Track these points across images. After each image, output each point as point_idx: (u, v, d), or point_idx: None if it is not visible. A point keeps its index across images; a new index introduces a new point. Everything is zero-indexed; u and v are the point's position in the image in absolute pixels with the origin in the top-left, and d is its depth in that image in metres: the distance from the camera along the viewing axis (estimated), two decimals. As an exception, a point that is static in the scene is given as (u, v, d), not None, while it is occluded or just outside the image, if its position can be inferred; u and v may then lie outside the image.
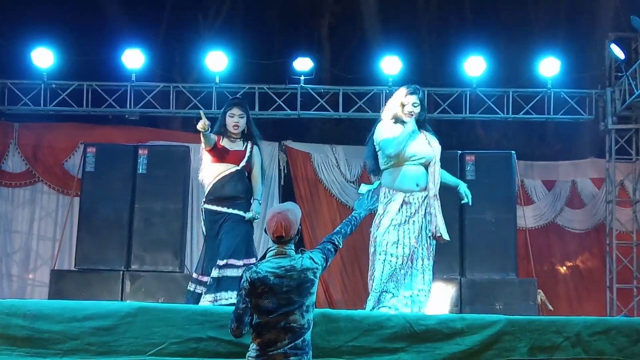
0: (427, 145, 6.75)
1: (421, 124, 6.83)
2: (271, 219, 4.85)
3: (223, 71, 12.16)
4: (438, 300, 9.67)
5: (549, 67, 12.10)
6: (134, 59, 12.05)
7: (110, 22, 14.17)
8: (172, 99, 12.43)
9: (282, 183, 13.03)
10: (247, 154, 7.49)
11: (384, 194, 6.71)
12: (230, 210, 7.33)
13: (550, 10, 16.05)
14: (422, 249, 6.62)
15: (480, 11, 16.28)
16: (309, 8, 16.92)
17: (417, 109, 6.76)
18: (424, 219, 6.62)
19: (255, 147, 7.57)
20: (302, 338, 4.71)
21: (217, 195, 7.35)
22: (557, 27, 15.62)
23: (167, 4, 16.01)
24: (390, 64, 12.09)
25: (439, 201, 6.67)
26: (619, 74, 12.22)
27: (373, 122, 14.21)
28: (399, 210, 6.61)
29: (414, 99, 6.77)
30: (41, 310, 5.37)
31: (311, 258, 4.88)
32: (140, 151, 10.58)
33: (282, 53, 14.01)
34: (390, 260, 6.56)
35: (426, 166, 6.71)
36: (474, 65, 12.04)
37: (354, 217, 5.46)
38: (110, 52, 12.57)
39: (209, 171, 7.45)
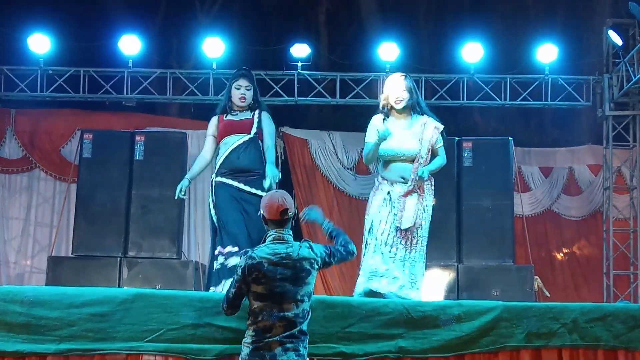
0: (413, 141, 6.70)
1: (417, 110, 6.81)
2: (269, 200, 4.86)
3: (220, 57, 12.13)
4: (435, 286, 9.69)
5: (546, 53, 12.09)
6: (130, 45, 12.02)
7: (107, 8, 14.14)
8: (169, 85, 12.42)
9: (279, 169, 13.00)
10: (256, 119, 7.20)
11: (376, 180, 6.87)
12: (248, 188, 7.02)
13: (548, -4, 16.02)
14: (399, 239, 6.60)
15: (478, -3, 16.24)
16: (307, -6, 16.87)
17: (405, 94, 6.73)
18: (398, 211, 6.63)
19: (263, 113, 7.30)
20: (297, 327, 4.73)
21: (232, 167, 7.06)
22: (554, 13, 15.58)
23: (164, -10, 15.96)
24: (388, 51, 12.07)
25: (424, 193, 6.65)
26: (617, 61, 12.21)
27: (370, 108, 14.12)
28: (383, 200, 6.67)
29: (401, 85, 6.75)
30: (38, 296, 5.37)
31: (310, 247, 4.89)
32: (137, 137, 10.55)
33: (279, 39, 13.97)
34: (374, 244, 6.65)
35: (412, 160, 6.69)
36: (472, 52, 12.03)
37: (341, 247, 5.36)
38: (107, 38, 12.53)
39: (220, 147, 7.18)
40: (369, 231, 6.72)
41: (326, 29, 16.45)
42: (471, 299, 6.95)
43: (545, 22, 14.72)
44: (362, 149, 12.36)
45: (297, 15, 16.49)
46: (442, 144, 6.82)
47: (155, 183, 10.37)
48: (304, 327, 4.77)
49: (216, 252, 6.99)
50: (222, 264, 6.91)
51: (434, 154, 6.78)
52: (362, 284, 6.61)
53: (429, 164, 6.72)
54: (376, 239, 6.64)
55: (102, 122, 12.33)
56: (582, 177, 13.28)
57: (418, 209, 6.60)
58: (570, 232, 13.27)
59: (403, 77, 6.82)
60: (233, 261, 6.82)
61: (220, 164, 7.11)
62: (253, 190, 7.01)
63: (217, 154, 7.25)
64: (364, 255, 6.71)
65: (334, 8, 16.68)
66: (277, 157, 7.25)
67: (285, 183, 12.85)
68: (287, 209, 4.83)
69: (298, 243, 4.85)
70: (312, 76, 12.43)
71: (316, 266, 4.88)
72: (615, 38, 11.87)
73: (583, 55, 13.51)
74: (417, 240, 6.64)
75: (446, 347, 5.53)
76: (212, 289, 6.92)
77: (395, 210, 6.60)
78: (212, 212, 7.15)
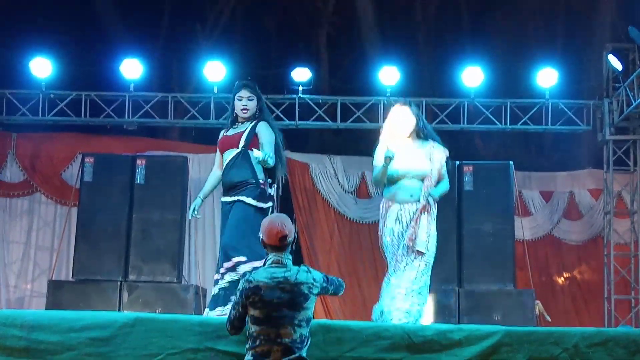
0: (424, 161, 6.73)
1: (424, 134, 6.84)
2: (269, 225, 4.86)
3: (221, 81, 12.16)
4: (434, 310, 9.68)
5: (546, 77, 12.12)
6: (132, 69, 12.06)
7: (108, 32, 14.20)
8: (171, 109, 12.44)
9: (280, 193, 13.00)
10: (247, 132, 6.85)
11: (382, 206, 6.88)
12: (236, 198, 6.70)
13: (548, 21, 16.08)
14: (409, 261, 6.65)
15: (478, 22, 16.31)
16: (308, 18, 16.94)
17: (412, 121, 6.78)
18: (411, 229, 6.64)
19: (261, 123, 6.90)
20: (296, 353, 4.70)
21: (225, 184, 6.81)
22: (554, 37, 15.64)
23: (165, 14, 16.03)
24: (389, 75, 12.10)
25: (430, 214, 6.66)
26: (617, 85, 12.24)
27: (371, 132, 14.14)
28: (395, 222, 6.71)
29: (405, 111, 6.80)
30: (38, 320, 5.36)
31: (308, 271, 4.87)
32: (138, 161, 10.57)
33: (280, 63, 14.03)
34: (391, 272, 6.73)
35: (422, 179, 6.72)
36: (472, 76, 12.06)
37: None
38: (109, 62, 12.58)
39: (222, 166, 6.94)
40: (387, 252, 6.83)
41: (327, 53, 16.51)
42: (472, 324, 6.93)
43: (545, 47, 14.77)
44: (363, 172, 12.36)
45: (298, 39, 16.56)
46: (446, 169, 6.84)
47: (156, 207, 10.37)
48: (303, 353, 4.74)
49: (215, 276, 6.82)
50: (221, 288, 6.68)
51: (438, 179, 6.80)
52: (387, 304, 6.67)
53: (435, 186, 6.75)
54: (395, 260, 6.73)
55: (103, 146, 12.34)
56: (583, 202, 13.28)
57: (429, 232, 6.63)
58: (571, 256, 13.25)
59: (407, 105, 6.86)
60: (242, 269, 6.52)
61: (222, 183, 6.94)
62: (242, 198, 6.68)
63: None
64: (390, 276, 6.79)
65: (334, 32, 16.76)
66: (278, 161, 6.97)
67: (286, 207, 12.91)
68: (286, 235, 4.83)
69: (297, 267, 4.84)
70: (313, 100, 12.46)
71: (315, 291, 4.84)
72: (615, 62, 11.91)
73: (583, 79, 13.55)
74: (425, 264, 6.66)
75: (447, 372, 5.51)
76: (206, 310, 6.78)
77: (405, 228, 6.64)
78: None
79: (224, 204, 6.83)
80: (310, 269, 4.91)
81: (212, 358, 5.29)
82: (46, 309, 9.66)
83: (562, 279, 13.28)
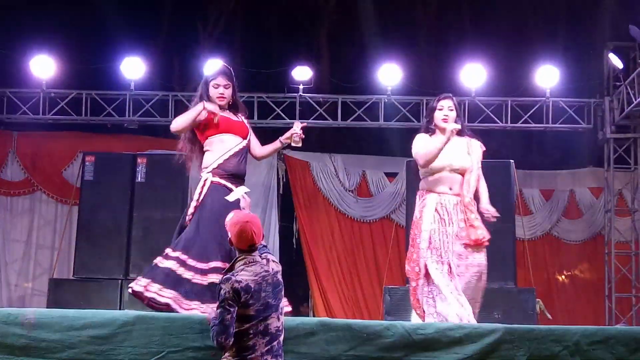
0: (465, 155, 6.73)
1: (461, 130, 6.78)
2: (241, 229, 4.85)
3: (222, 80, 12.13)
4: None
5: (547, 76, 12.12)
6: (132, 67, 12.07)
7: (109, 31, 14.17)
8: (171, 108, 12.44)
9: (281, 192, 13.03)
10: (249, 127, 6.70)
11: (419, 196, 6.77)
12: (244, 193, 6.22)
13: (549, 19, 16.07)
14: (463, 255, 6.59)
15: (479, 20, 16.30)
16: (308, 17, 16.94)
17: (453, 114, 6.74)
18: (456, 225, 6.58)
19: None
20: (277, 340, 4.78)
21: (233, 171, 6.46)
22: (555, 36, 15.63)
23: (166, 13, 16.03)
24: (389, 73, 12.11)
25: (474, 207, 6.65)
26: (617, 83, 12.24)
27: (372, 131, 14.17)
28: (434, 213, 6.60)
29: (448, 103, 6.76)
30: (39, 319, 5.36)
31: (274, 261, 4.96)
32: (139, 160, 10.56)
33: (280, 62, 14.01)
34: (436, 266, 6.50)
35: (462, 174, 6.68)
36: (473, 75, 12.06)
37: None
38: (109, 60, 12.58)
39: (217, 144, 6.54)
40: (428, 247, 6.56)
41: (328, 52, 16.51)
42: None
43: (546, 45, 14.76)
44: (364, 171, 12.27)
45: (299, 38, 16.56)
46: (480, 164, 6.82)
47: (157, 205, 10.36)
48: (281, 339, 4.84)
49: (168, 250, 6.37)
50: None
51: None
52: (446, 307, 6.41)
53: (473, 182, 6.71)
54: (434, 263, 6.51)
55: (104, 145, 12.35)
56: (584, 200, 13.28)
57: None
58: (571, 255, 13.26)
59: (450, 98, 6.83)
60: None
61: (219, 164, 6.48)
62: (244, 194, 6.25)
63: (210, 149, 6.63)
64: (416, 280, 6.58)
65: (335, 31, 16.75)
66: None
67: (287, 205, 12.93)
68: (255, 243, 4.86)
69: (264, 260, 4.89)
70: (313, 99, 12.47)
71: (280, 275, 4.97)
72: (615, 61, 11.92)
73: (584, 78, 13.54)
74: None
75: (448, 370, 5.52)
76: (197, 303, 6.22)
77: (451, 222, 6.56)
78: (191, 209, 6.54)
79: (224, 189, 6.39)
80: (272, 257, 4.99)
81: (213, 356, 5.28)
82: (47, 307, 9.65)
83: (563, 277, 13.28)
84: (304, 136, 6.71)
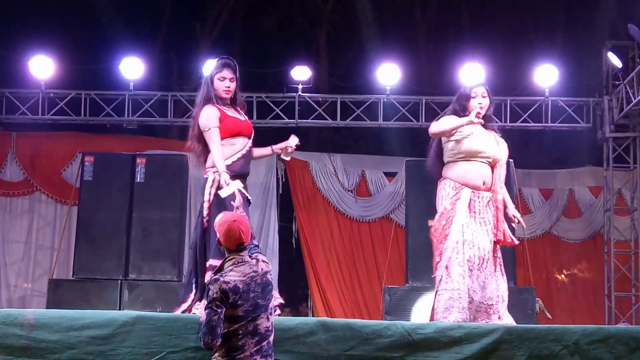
0: (496, 145, 6.55)
1: (488, 121, 6.66)
2: (229, 228, 4.85)
3: (221, 80, 12.13)
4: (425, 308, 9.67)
5: (546, 75, 12.11)
6: (131, 68, 12.05)
7: (108, 31, 14.21)
8: (170, 108, 12.44)
9: (280, 192, 13.03)
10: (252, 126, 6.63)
11: (451, 187, 6.47)
12: (247, 194, 6.29)
13: (548, 18, 16.10)
14: (491, 252, 6.46)
15: (478, 20, 16.33)
16: (307, 17, 16.98)
17: (486, 101, 6.58)
18: (490, 222, 6.44)
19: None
20: (266, 341, 4.77)
21: (240, 172, 6.34)
22: (554, 35, 15.66)
23: (165, 13, 16.05)
24: (388, 73, 12.10)
25: (502, 204, 6.51)
26: (616, 83, 12.24)
27: (371, 131, 14.12)
28: (468, 207, 6.40)
29: (481, 90, 6.60)
30: (39, 319, 5.37)
31: (264, 261, 4.93)
32: (138, 160, 10.55)
33: (279, 62, 14.04)
34: (467, 261, 6.35)
35: (492, 166, 6.51)
36: (472, 74, 12.04)
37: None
38: (108, 61, 12.58)
39: (227, 147, 6.37)
40: (456, 251, 6.35)
41: (327, 52, 16.54)
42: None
43: (544, 45, 14.80)
44: (363, 171, 12.18)
45: (298, 37, 16.59)
46: None
47: (156, 205, 10.36)
48: (271, 339, 4.83)
49: (208, 263, 6.27)
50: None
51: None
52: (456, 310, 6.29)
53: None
54: (465, 257, 6.34)
55: (103, 145, 12.34)
56: (583, 199, 13.28)
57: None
58: (571, 254, 13.26)
59: (483, 85, 6.70)
60: None
61: (227, 166, 6.27)
62: (248, 196, 6.33)
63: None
64: (442, 276, 6.36)
65: (334, 31, 16.79)
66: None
67: (286, 205, 12.93)
68: (243, 242, 4.84)
69: (253, 260, 4.87)
70: (312, 98, 12.46)
71: (270, 275, 4.95)
72: (615, 60, 11.91)
73: (583, 77, 13.55)
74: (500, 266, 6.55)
75: (448, 370, 5.51)
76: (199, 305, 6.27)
77: (485, 218, 6.41)
78: (205, 212, 6.36)
79: (242, 194, 6.23)
80: (263, 257, 4.96)
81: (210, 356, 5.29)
82: (47, 308, 9.65)
83: (562, 276, 13.29)
84: (294, 150, 6.60)
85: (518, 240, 6.66)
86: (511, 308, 9.67)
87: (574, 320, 12.03)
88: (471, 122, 6.38)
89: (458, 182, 6.44)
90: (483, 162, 6.48)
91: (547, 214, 13.19)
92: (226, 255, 4.91)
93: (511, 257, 10.23)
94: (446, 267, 6.34)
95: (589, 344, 5.59)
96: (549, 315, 9.93)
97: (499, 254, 6.59)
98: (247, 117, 6.70)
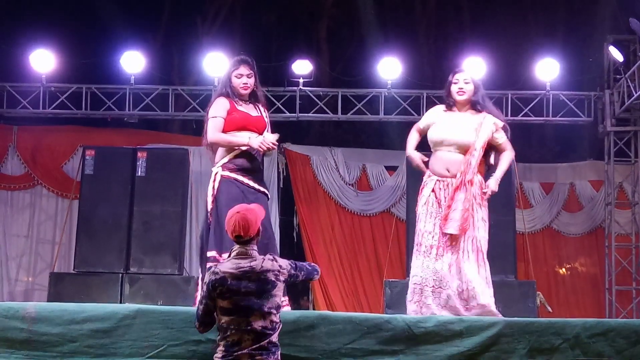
0: (470, 132, 6.43)
1: (479, 107, 6.56)
2: (230, 218, 4.85)
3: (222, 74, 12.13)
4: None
5: (547, 69, 12.10)
6: (132, 61, 12.05)
7: (109, 25, 14.19)
8: (171, 102, 12.44)
9: (281, 186, 13.03)
10: (267, 120, 6.61)
11: (427, 175, 6.56)
12: (257, 186, 6.37)
13: (549, 12, 16.07)
14: (446, 240, 6.40)
15: (479, 14, 16.31)
16: (308, 11, 16.95)
17: (469, 86, 6.53)
18: (453, 205, 6.37)
19: (264, 110, 6.68)
20: (267, 339, 4.71)
21: (245, 166, 6.37)
22: (555, 29, 15.64)
23: (166, 6, 16.04)
24: (389, 67, 12.09)
25: (470, 192, 6.38)
26: (618, 77, 12.23)
27: (372, 125, 14.11)
28: (429, 195, 6.44)
29: (463, 76, 6.59)
30: (40, 312, 5.37)
31: (274, 260, 4.86)
32: (139, 154, 10.56)
33: (280, 56, 14.03)
34: (424, 250, 6.42)
35: (464, 152, 6.44)
36: (473, 68, 12.02)
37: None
38: (109, 54, 12.58)
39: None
40: (419, 240, 6.48)
41: (327, 46, 16.53)
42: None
43: (546, 39, 14.77)
44: (364, 164, 12.22)
45: (299, 31, 16.57)
46: (505, 138, 6.55)
47: (157, 199, 10.37)
48: (274, 338, 4.77)
49: (212, 255, 6.37)
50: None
51: (498, 151, 6.56)
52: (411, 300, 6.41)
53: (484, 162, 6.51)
54: (424, 247, 6.43)
55: (104, 139, 12.35)
56: (584, 193, 13.28)
57: (472, 216, 6.38)
58: (572, 248, 13.27)
59: (469, 71, 6.71)
60: None
61: (229, 160, 6.38)
62: (262, 189, 6.41)
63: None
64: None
65: (335, 24, 16.77)
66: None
67: (287, 199, 12.93)
68: (240, 236, 4.81)
69: (262, 257, 4.85)
70: (313, 92, 12.45)
71: (282, 278, 4.84)
72: (616, 54, 11.91)
73: (584, 71, 13.53)
74: (468, 252, 6.42)
75: (448, 363, 5.52)
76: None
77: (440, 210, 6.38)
78: (209, 207, 6.40)
79: (236, 182, 6.35)
80: (277, 257, 4.92)
81: (213, 349, 5.29)
82: (48, 301, 9.66)
83: (563, 270, 13.29)
84: (274, 147, 6.56)
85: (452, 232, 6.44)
86: (512, 302, 9.75)
87: (575, 314, 12.05)
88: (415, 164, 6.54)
89: (429, 171, 6.54)
90: (449, 150, 6.45)
91: (548, 208, 13.19)
92: (233, 246, 4.91)
93: (512, 251, 10.25)
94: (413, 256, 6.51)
95: (589, 337, 5.59)
96: (549, 309, 9.94)
97: (471, 241, 6.46)
98: (264, 113, 6.67)
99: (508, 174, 10.41)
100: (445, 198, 6.39)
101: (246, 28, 16.42)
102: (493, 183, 6.53)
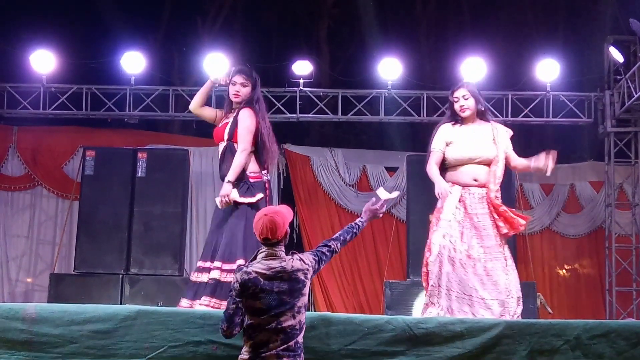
0: (489, 144, 6.68)
1: (485, 115, 6.79)
2: (258, 221, 4.88)
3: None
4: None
5: (547, 70, 12.09)
6: (133, 62, 12.04)
7: (109, 26, 14.20)
8: (171, 103, 12.42)
9: (281, 186, 13.02)
10: (230, 123, 6.66)
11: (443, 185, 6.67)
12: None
13: (549, 13, 16.08)
14: (480, 249, 6.56)
15: (479, 14, 16.31)
16: (308, 11, 16.96)
17: (469, 102, 6.71)
18: (481, 219, 6.58)
19: (241, 111, 6.64)
20: (294, 340, 4.74)
21: (220, 178, 6.62)
22: (556, 30, 15.65)
23: (166, 7, 16.04)
24: (389, 67, 12.07)
25: (499, 200, 6.64)
26: (618, 77, 12.21)
27: (372, 125, 14.11)
28: (457, 205, 6.59)
29: (462, 92, 6.73)
30: (40, 313, 5.37)
31: (301, 259, 4.90)
32: (139, 155, 10.57)
33: (281, 56, 14.01)
34: (449, 257, 6.54)
35: (488, 164, 6.66)
36: (473, 69, 12.03)
37: (356, 225, 5.43)
38: (110, 55, 12.56)
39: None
40: (442, 247, 6.58)
41: (328, 46, 16.53)
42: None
43: (546, 39, 14.77)
44: (364, 165, 12.25)
45: (299, 32, 16.58)
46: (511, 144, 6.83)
47: (157, 200, 10.38)
48: (300, 339, 4.79)
49: (205, 265, 6.53)
50: (211, 278, 6.44)
51: (507, 160, 6.78)
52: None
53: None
54: (450, 253, 6.54)
55: (104, 140, 12.35)
56: (584, 194, 13.27)
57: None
58: (572, 249, 13.25)
59: (466, 85, 6.84)
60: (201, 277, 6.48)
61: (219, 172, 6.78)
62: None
63: None
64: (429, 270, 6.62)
65: (335, 25, 16.77)
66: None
67: (287, 200, 12.91)
68: (268, 238, 4.83)
69: (289, 257, 4.88)
70: (313, 93, 12.44)
71: (309, 275, 4.90)
72: (616, 55, 11.90)
73: (584, 72, 13.53)
74: (501, 248, 6.65)
75: (449, 365, 5.52)
76: (184, 300, 6.52)
77: (475, 214, 6.56)
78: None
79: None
80: (302, 255, 4.95)
81: (214, 351, 5.29)
82: (48, 302, 9.67)
83: (564, 271, 13.28)
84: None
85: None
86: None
87: (575, 315, 12.04)
88: (442, 197, 6.59)
89: (450, 181, 6.67)
90: (475, 163, 6.67)
91: (548, 209, 13.18)
92: (260, 248, 4.92)
93: (512, 252, 10.24)
94: (427, 264, 6.61)
95: (590, 338, 5.58)
96: (550, 310, 9.95)
97: (500, 249, 6.61)
98: (232, 116, 6.72)
99: (508, 175, 10.47)
100: (470, 206, 6.58)
101: (246, 28, 16.43)
102: (541, 160, 6.77)
